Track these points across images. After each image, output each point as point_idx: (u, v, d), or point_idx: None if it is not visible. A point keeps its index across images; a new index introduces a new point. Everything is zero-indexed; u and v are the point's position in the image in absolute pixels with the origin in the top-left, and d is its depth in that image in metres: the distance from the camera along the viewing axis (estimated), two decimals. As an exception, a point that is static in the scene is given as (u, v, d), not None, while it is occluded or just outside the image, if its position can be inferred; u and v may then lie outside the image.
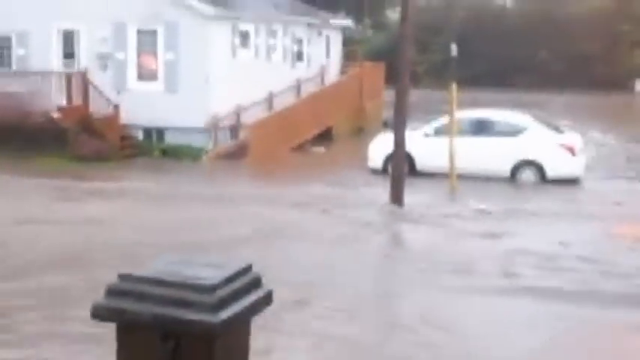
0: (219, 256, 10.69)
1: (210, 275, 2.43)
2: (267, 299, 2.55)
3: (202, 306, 2.33)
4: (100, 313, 2.41)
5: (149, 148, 21.94)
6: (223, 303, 2.36)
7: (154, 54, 22.41)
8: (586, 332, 8.29)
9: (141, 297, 2.38)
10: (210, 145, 21.82)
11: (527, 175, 17.88)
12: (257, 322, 2.55)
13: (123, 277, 2.44)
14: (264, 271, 2.64)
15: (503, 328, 8.18)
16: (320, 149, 23.49)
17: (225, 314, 2.34)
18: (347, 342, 7.52)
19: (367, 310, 8.87)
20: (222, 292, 2.37)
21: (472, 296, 9.24)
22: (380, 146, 18.76)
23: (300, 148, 23.14)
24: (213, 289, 2.36)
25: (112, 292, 2.43)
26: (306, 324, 7.94)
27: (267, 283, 2.56)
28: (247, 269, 2.55)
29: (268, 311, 2.57)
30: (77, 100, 21.40)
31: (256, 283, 2.54)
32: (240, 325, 2.48)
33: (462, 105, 18.01)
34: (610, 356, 7.70)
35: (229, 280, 2.44)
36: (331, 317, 8.22)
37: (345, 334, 7.69)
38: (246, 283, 2.49)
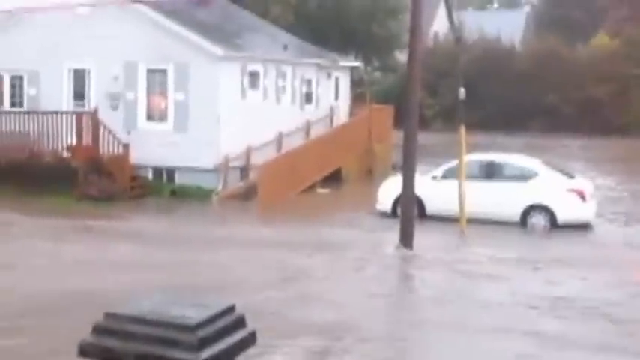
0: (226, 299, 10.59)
1: (193, 315, 2.47)
2: (250, 339, 2.57)
3: (184, 345, 2.36)
4: (86, 350, 2.46)
5: (159, 189, 21.93)
6: (205, 342, 2.39)
7: (164, 94, 22.51)
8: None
9: (126, 335, 2.42)
10: (219, 186, 21.80)
11: (538, 219, 17.74)
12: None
13: (109, 316, 2.50)
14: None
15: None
16: (325, 191, 23.44)
17: (206, 353, 2.37)
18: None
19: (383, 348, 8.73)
20: (204, 332, 2.42)
21: (473, 336, 9.16)
22: (389, 189, 18.71)
23: (310, 189, 23.09)
24: (195, 328, 2.41)
25: (98, 330, 2.48)
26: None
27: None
28: (231, 309, 2.58)
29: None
30: (87, 140, 21.45)
31: (240, 322, 2.57)
32: (223, 365, 2.47)
33: (472, 148, 17.98)
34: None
35: (212, 319, 2.48)
36: None
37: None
38: (229, 322, 2.53)
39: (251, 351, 7.55)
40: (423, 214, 17.90)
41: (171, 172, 22.32)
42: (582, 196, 17.73)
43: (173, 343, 2.36)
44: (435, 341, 9.29)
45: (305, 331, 9.27)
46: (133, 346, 2.38)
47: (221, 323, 2.49)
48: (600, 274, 13.17)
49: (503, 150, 22.38)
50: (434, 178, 18.61)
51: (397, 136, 22.72)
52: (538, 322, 10.02)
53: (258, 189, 21.02)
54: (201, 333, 2.40)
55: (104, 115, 21.83)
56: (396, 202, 17.69)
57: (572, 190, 17.81)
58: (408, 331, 10.04)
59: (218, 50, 21.94)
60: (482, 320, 10.13)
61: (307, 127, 26.30)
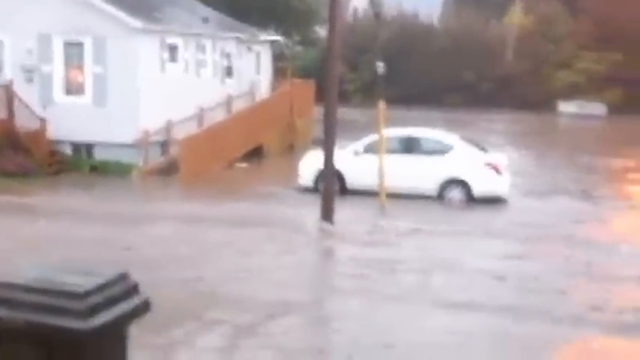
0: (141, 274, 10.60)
1: (82, 282, 2.41)
2: (144, 307, 2.51)
3: (73, 313, 2.31)
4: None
5: (78, 164, 21.55)
6: (94, 310, 2.34)
7: (82, 67, 22.07)
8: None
9: (14, 304, 2.36)
10: (140, 162, 21.56)
11: (454, 193, 18.19)
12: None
13: (-4, 285, 2.43)
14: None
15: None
16: (244, 165, 23.47)
17: (95, 321, 2.32)
18: None
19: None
20: (94, 299, 2.35)
21: (394, 305, 9.46)
22: (310, 163, 18.85)
23: (231, 164, 23.09)
24: (84, 295, 2.34)
25: (-16, 299, 2.41)
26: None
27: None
28: (124, 276, 2.52)
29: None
30: (2, 114, 20.89)
31: (133, 290, 2.51)
32: (115, 333, 2.45)
33: (391, 123, 18.25)
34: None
35: (103, 287, 2.42)
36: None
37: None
38: (121, 290, 2.46)
39: (177, 331, 7.60)
40: (343, 188, 18.12)
41: (90, 148, 21.96)
42: (497, 170, 18.23)
43: (62, 311, 2.32)
44: (355, 310, 9.53)
45: (228, 307, 9.38)
46: (22, 315, 2.33)
47: (112, 291, 2.43)
48: (511, 245, 13.66)
49: (421, 125, 22.76)
50: (354, 152, 18.84)
51: (318, 111, 22.91)
52: (452, 289, 10.39)
53: (179, 164, 20.90)
54: (91, 300, 2.35)
55: (20, 89, 21.28)
56: (317, 177, 17.87)
57: (488, 164, 18.28)
58: (328, 303, 10.27)
59: (137, 23, 21.60)
60: (398, 288, 10.44)
61: (229, 102, 26.20)
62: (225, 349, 7.90)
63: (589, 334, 9.00)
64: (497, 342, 8.60)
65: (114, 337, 2.46)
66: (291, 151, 25.99)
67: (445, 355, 8.08)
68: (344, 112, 36.05)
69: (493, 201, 17.99)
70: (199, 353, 7.83)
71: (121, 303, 2.44)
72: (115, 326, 2.42)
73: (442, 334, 8.60)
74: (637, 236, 14.81)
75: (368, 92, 39.87)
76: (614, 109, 42.69)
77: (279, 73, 32.58)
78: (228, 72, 27.44)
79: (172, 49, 23.50)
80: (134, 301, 2.50)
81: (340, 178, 17.88)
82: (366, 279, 10.94)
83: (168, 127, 22.52)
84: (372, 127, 17.74)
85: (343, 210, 15.19)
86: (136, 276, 2.50)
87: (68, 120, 21.26)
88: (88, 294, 2.37)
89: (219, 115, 24.75)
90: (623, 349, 8.61)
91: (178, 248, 12.39)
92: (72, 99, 22.08)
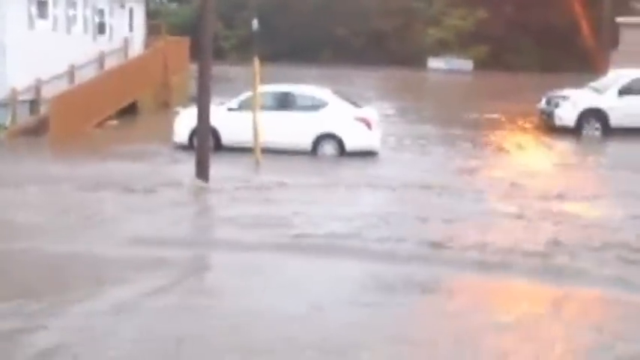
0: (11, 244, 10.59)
1: None
2: None
3: None
4: None
5: (-60, 124, 20.79)
6: None
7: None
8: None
9: None
10: (7, 121, 20.99)
11: (328, 148, 18.70)
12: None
13: None
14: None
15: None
16: (115, 122, 23.24)
17: None
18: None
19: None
20: None
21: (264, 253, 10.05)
22: (186, 121, 18.89)
23: (103, 123, 22.80)
24: None
25: None
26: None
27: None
28: None
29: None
30: None
31: None
32: None
33: (266, 80, 18.50)
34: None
35: None
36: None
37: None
38: None
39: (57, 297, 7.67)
40: (218, 145, 18.32)
41: (-46, 107, 21.19)
42: (368, 125, 18.85)
43: None
44: (235, 264, 9.87)
45: (107, 268, 9.53)
46: None
47: None
48: (384, 195, 14.34)
49: (296, 81, 23.13)
50: (229, 109, 19.03)
51: (194, 69, 22.85)
52: (320, 239, 10.93)
53: (49, 123, 20.50)
54: None
55: None
56: (192, 134, 17.91)
57: (359, 119, 18.87)
58: (206, 259, 10.52)
59: (1, -23, 20.85)
60: (278, 240, 10.82)
61: (101, 59, 25.74)
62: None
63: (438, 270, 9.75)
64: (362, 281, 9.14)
65: None
66: (167, 108, 25.87)
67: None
68: (220, 70, 36.03)
69: (365, 154, 18.61)
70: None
71: None
72: None
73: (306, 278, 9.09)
74: (498, 183, 15.68)
75: (244, 49, 39.91)
76: (480, 65, 44.51)
77: (153, 30, 32.13)
78: (101, 29, 26.90)
79: (41, 5, 22.82)
80: None
81: (215, 134, 18.06)
82: (240, 234, 11.23)
83: (38, 85, 21.98)
84: (249, 83, 17.93)
85: (219, 167, 15.37)
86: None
87: None
88: None
89: (90, 73, 24.31)
90: (464, 283, 9.36)
91: (37, 212, 12.25)
92: None
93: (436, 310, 8.33)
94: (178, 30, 35.26)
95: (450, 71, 43.87)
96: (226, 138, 18.68)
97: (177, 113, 20.81)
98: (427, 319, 8.08)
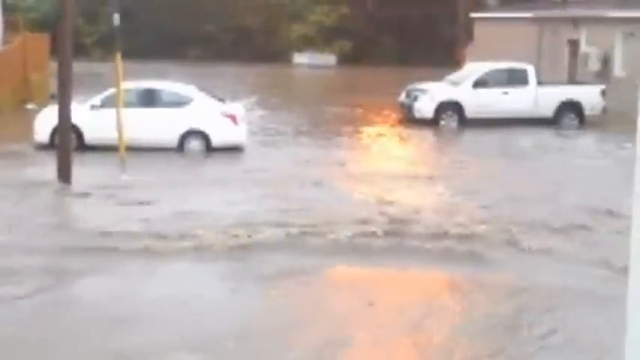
0: None
1: None
2: None
3: None
4: None
5: None
6: None
7: None
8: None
9: None
10: None
11: (194, 144, 18.77)
12: None
13: None
14: None
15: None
16: None
17: None
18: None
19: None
20: None
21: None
22: (46, 119, 18.45)
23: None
24: None
25: None
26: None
27: None
28: None
29: None
30: None
31: None
32: None
33: (131, 76, 18.36)
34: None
35: None
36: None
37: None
38: None
39: None
40: (82, 144, 18.04)
41: None
42: (234, 120, 19.06)
43: None
44: (92, 270, 9.91)
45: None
46: None
47: None
48: (249, 191, 14.62)
49: (162, 77, 23.03)
50: (92, 106, 18.77)
51: (55, 66, 22.31)
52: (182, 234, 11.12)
53: None
54: None
55: None
56: (54, 133, 17.56)
57: (225, 115, 19.05)
58: (70, 263, 10.34)
59: None
60: (135, 245, 10.86)
61: (-46, 57, 24.73)
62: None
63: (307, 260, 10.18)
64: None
65: None
66: (26, 106, 25.15)
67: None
68: (83, 66, 35.26)
69: (232, 150, 18.82)
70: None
71: None
72: None
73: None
74: (368, 175, 16.29)
75: (107, 45, 39.12)
76: (344, 60, 45.66)
77: (10, 26, 31.04)
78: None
79: None
80: None
81: (78, 133, 17.79)
82: (101, 239, 11.19)
83: None
84: (113, 80, 17.72)
85: (82, 167, 15.13)
86: None
87: None
88: None
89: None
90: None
91: None
92: None
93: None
94: (38, 26, 34.24)
95: (314, 66, 44.74)
96: (90, 136, 18.42)
97: (37, 111, 20.33)
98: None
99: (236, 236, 11.08)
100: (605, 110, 24.26)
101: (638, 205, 2.79)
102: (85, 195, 13.85)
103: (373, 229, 11.58)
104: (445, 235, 11.44)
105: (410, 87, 25.69)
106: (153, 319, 8.12)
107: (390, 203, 13.48)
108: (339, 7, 46.69)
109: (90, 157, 17.26)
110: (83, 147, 17.90)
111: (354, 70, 41.27)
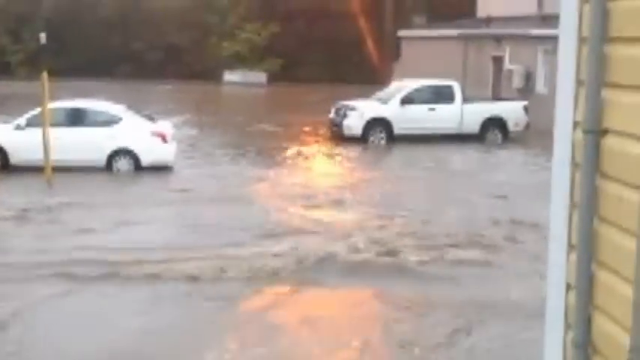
0: None
1: None
2: None
3: None
4: None
5: None
6: None
7: None
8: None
9: None
10: None
11: (123, 163, 18.63)
12: None
13: None
14: None
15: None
16: None
17: None
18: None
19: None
20: None
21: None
22: (-31, 140, 18.15)
23: None
24: None
25: None
26: None
27: None
28: None
29: None
30: None
31: None
32: None
33: (58, 95, 18.12)
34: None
35: None
36: None
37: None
38: None
39: None
40: (6, 164, 17.76)
41: None
42: (164, 139, 19.00)
43: None
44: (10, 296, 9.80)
45: None
46: None
47: None
48: (171, 209, 14.61)
49: (90, 96, 22.79)
50: (17, 126, 18.50)
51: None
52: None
53: None
54: None
55: None
56: (-23, 154, 17.31)
57: (154, 133, 18.97)
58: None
59: None
60: (60, 270, 10.72)
61: None
62: None
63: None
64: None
65: None
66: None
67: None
68: (8, 86, 34.67)
69: (161, 169, 18.74)
70: None
71: None
72: None
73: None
74: (291, 192, 16.43)
75: (34, 64, 38.53)
76: (274, 78, 45.87)
77: None
78: None
79: None
80: None
81: (3, 154, 17.52)
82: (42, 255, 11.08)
83: None
84: (40, 100, 17.50)
85: (6, 188, 14.94)
86: None
87: None
88: None
89: None
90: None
91: None
92: None
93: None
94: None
95: (245, 84, 44.85)
96: (15, 157, 18.14)
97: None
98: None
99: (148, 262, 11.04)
100: (527, 126, 24.94)
101: (554, 213, 3.01)
102: (7, 218, 13.60)
103: (278, 247, 11.70)
104: (367, 249, 11.66)
105: (339, 104, 25.94)
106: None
107: (304, 217, 13.70)
108: (270, 25, 46.95)
109: (15, 177, 17.00)
110: (8, 168, 17.61)
111: (285, 88, 41.52)
